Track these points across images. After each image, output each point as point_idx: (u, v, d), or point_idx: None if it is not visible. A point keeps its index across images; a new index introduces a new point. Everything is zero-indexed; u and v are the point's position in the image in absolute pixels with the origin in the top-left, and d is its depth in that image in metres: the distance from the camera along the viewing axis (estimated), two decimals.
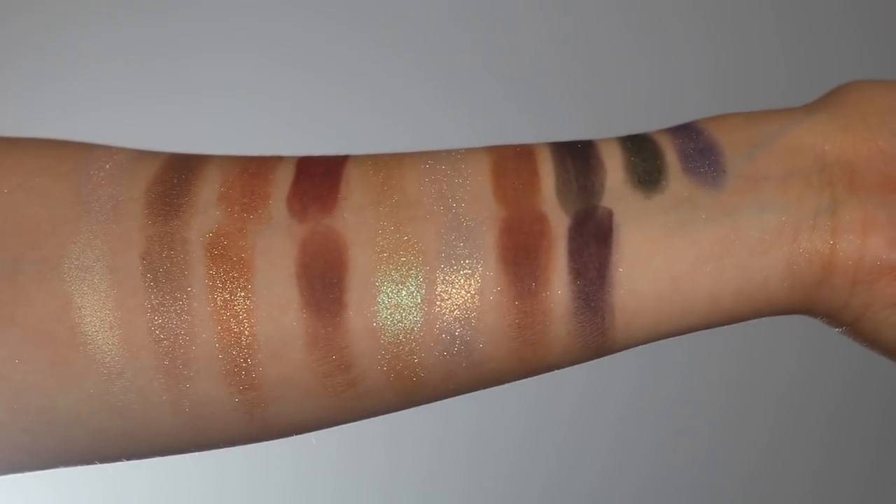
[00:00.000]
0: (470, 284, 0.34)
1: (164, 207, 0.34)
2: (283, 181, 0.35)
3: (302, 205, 0.35)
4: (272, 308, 0.34)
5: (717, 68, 1.15)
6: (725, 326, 0.36)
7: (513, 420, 1.17)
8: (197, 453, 0.37)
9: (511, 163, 0.35)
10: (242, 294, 0.34)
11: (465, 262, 0.34)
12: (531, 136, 0.38)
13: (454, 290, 0.34)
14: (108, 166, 0.35)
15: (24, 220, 0.34)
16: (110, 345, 0.33)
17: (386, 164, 0.36)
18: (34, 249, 0.34)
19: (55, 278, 0.34)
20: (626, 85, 1.15)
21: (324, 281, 0.34)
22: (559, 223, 0.34)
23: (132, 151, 0.36)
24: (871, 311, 0.35)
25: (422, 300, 0.34)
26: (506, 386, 0.37)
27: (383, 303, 0.34)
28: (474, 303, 0.34)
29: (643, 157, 0.36)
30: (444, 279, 0.34)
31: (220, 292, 0.34)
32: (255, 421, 0.35)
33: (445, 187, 0.35)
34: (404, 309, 0.34)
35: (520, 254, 0.34)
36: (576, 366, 0.36)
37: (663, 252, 0.34)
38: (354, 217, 0.34)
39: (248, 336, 0.34)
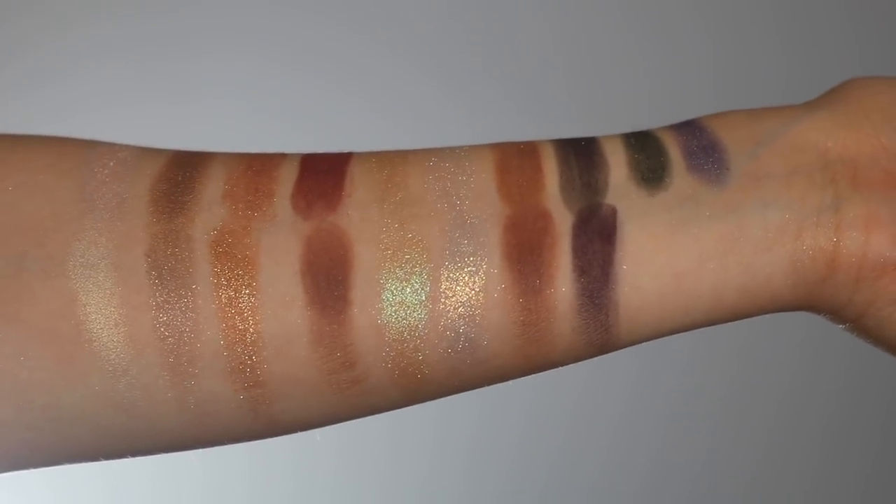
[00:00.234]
0: (474, 282, 0.34)
1: (169, 205, 0.34)
2: (287, 178, 0.35)
3: (306, 202, 0.35)
4: (277, 305, 0.34)
5: (717, 68, 1.15)
6: (726, 324, 0.37)
7: (513, 417, 1.17)
8: (200, 450, 0.37)
9: (515, 160, 0.36)
10: (247, 291, 0.34)
11: (469, 259, 0.34)
12: (531, 135, 0.38)
13: (458, 288, 0.34)
14: (112, 163, 0.35)
15: (29, 218, 0.34)
16: (115, 342, 0.33)
17: (390, 161, 0.36)
18: (39, 247, 0.34)
19: (60, 275, 0.34)
20: (626, 85, 1.15)
21: (328, 278, 0.34)
22: (563, 220, 0.35)
23: (136, 148, 0.36)
24: (874, 307, 0.35)
25: (426, 297, 0.34)
26: (507, 383, 0.37)
27: (388, 300, 0.34)
28: (479, 300, 0.34)
29: (647, 154, 0.36)
30: (449, 276, 0.34)
31: (225, 290, 0.34)
32: (259, 418, 0.35)
33: (449, 184, 0.35)
34: (409, 306, 0.34)
35: (524, 251, 0.34)
36: (578, 363, 0.36)
37: (667, 249, 0.34)
38: (359, 214, 0.34)
39: (252, 333, 0.34)
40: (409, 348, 0.34)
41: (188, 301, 0.34)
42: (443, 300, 0.34)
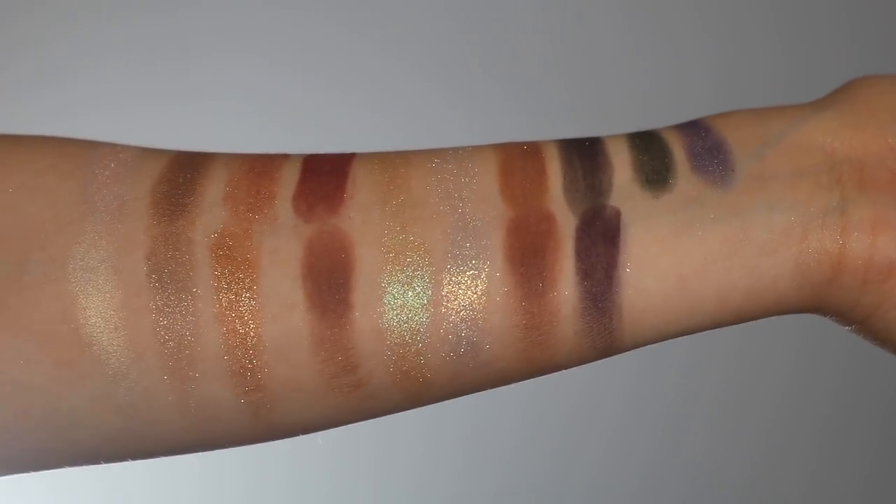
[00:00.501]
0: (477, 285, 0.34)
1: (170, 207, 0.34)
2: (288, 180, 0.35)
3: (308, 204, 0.34)
4: (278, 309, 0.33)
5: (718, 68, 1.15)
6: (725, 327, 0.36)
7: (509, 418, 1.17)
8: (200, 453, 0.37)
9: (518, 161, 0.35)
10: (248, 295, 0.33)
11: (471, 262, 0.34)
12: (531, 136, 0.38)
13: (461, 291, 0.34)
14: (113, 165, 0.35)
15: (30, 220, 0.34)
16: (115, 346, 0.33)
17: (392, 162, 0.35)
18: (40, 250, 0.34)
19: (60, 279, 0.33)
20: (627, 85, 1.14)
21: (330, 281, 0.34)
22: (566, 223, 0.34)
23: (137, 149, 0.36)
24: (881, 309, 0.35)
25: (428, 301, 0.34)
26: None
27: (390, 303, 0.34)
28: (481, 303, 0.34)
29: (651, 155, 0.35)
30: (451, 280, 0.34)
31: (226, 293, 0.33)
32: (260, 421, 0.35)
33: (452, 186, 0.35)
34: (411, 310, 0.34)
35: (527, 254, 0.34)
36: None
37: (672, 252, 0.34)
38: (361, 216, 0.34)
39: (253, 337, 0.33)
40: (411, 352, 0.34)
41: (189, 305, 0.33)
42: (445, 303, 0.34)
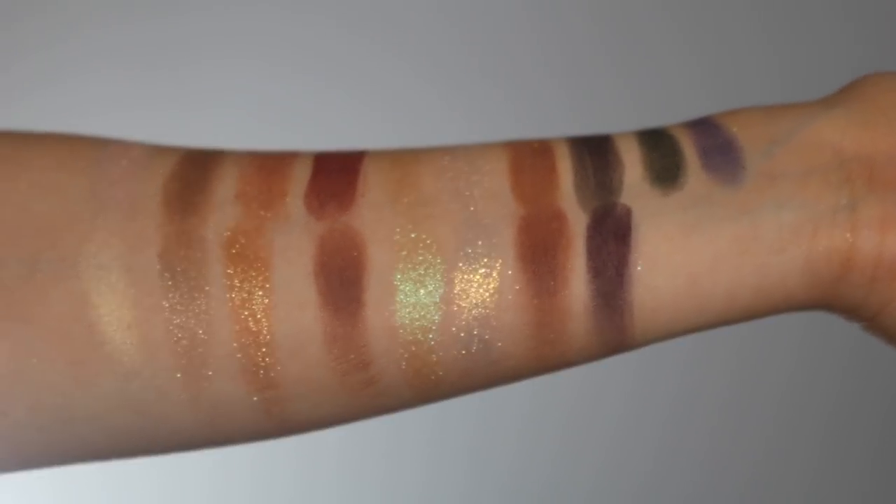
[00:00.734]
0: (488, 283, 0.34)
1: (182, 205, 0.34)
2: (300, 178, 0.35)
3: (319, 202, 0.34)
4: (290, 307, 0.33)
5: (718, 67, 1.15)
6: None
7: (513, 417, 1.17)
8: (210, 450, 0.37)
9: (529, 159, 0.35)
10: (260, 293, 0.33)
11: (483, 260, 0.34)
12: (532, 136, 0.38)
13: (472, 289, 0.34)
14: (124, 162, 0.35)
15: (41, 218, 0.34)
16: (128, 344, 0.33)
17: (402, 160, 0.35)
18: (51, 248, 0.34)
19: (72, 277, 0.33)
20: (627, 85, 1.15)
21: (342, 279, 0.34)
22: (577, 221, 0.34)
23: (148, 146, 0.36)
24: (890, 306, 0.35)
25: (440, 299, 0.34)
26: None
27: (402, 301, 0.34)
28: (493, 301, 0.34)
29: (661, 152, 0.35)
30: (463, 278, 0.34)
31: (238, 291, 0.33)
32: (273, 419, 0.35)
33: (463, 184, 0.35)
34: (423, 307, 0.34)
35: (538, 252, 0.34)
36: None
37: (682, 250, 0.34)
38: (372, 214, 0.34)
39: (266, 335, 0.33)
40: (423, 350, 0.34)
41: (201, 303, 0.33)
42: (457, 302, 0.34)
